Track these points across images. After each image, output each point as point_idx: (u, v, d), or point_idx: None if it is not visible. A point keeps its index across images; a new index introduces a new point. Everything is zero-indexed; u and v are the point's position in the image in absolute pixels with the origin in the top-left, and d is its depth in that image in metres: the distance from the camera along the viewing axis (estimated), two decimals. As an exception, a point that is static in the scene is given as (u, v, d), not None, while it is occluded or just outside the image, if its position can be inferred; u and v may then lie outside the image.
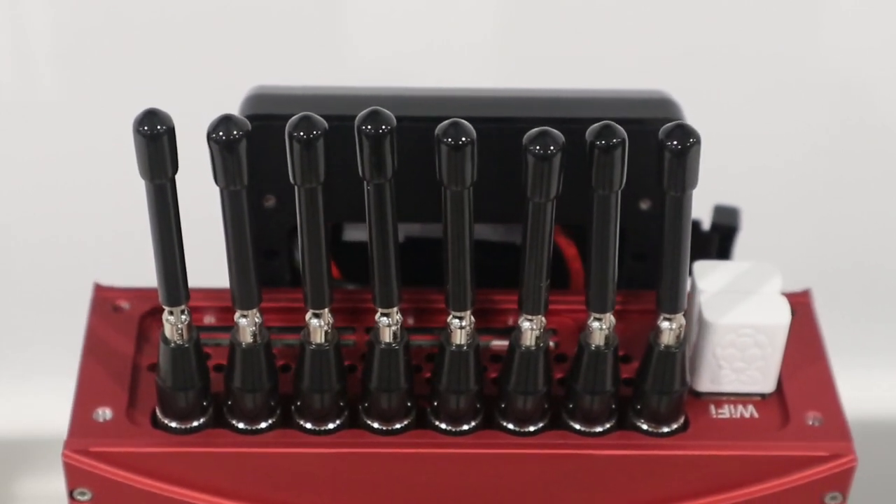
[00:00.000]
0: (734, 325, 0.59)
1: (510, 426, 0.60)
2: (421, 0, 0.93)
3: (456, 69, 0.92)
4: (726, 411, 0.61)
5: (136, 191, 0.54)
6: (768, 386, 0.61)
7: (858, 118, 0.96)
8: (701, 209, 0.63)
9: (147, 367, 0.62)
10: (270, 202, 0.62)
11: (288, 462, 0.59)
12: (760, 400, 0.61)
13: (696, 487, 0.60)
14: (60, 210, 1.00)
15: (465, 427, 0.60)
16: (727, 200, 0.65)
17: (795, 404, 0.61)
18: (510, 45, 0.95)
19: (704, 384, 0.61)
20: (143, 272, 0.61)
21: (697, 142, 0.54)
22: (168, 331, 0.57)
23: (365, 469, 0.59)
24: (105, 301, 0.64)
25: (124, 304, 0.63)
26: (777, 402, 0.61)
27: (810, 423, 0.60)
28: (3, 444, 1.00)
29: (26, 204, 1.00)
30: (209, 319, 0.64)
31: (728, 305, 0.60)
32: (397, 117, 0.54)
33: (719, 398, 0.61)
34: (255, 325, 0.57)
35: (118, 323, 0.63)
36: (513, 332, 0.58)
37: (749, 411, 0.61)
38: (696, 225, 0.66)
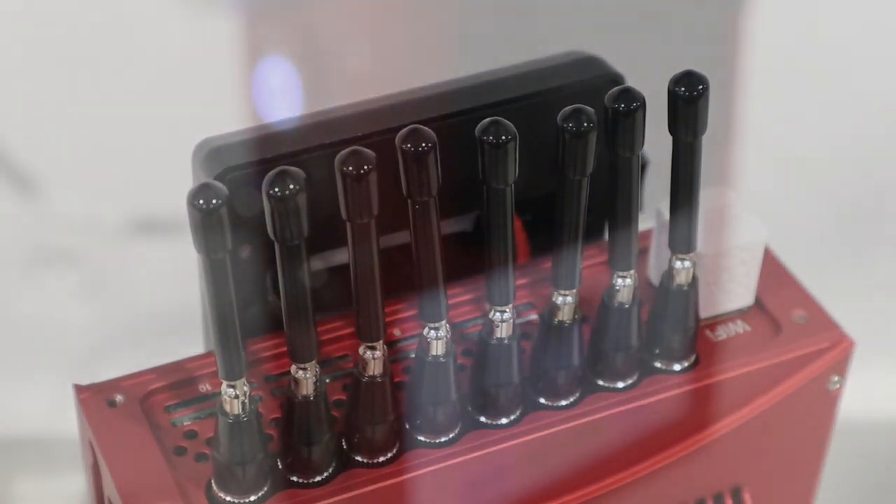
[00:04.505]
0: (723, 249, 0.62)
1: (548, 402, 0.61)
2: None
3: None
4: (722, 332, 0.64)
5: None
6: (749, 299, 0.65)
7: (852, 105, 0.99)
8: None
9: (173, 450, 0.59)
10: (246, 252, 0.60)
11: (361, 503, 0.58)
12: (744, 313, 0.65)
13: (723, 409, 0.63)
14: (58, 211, 0.95)
15: (511, 418, 0.60)
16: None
17: (777, 309, 0.65)
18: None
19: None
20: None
21: (707, 88, 0.56)
22: (228, 405, 0.55)
23: (433, 486, 0.59)
24: (94, 399, 0.60)
25: (118, 398, 0.60)
26: (760, 311, 0.65)
27: (798, 321, 0.64)
28: (2, 444, 0.96)
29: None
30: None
31: (711, 233, 0.63)
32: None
33: (711, 322, 0.64)
34: (315, 377, 0.56)
35: (120, 417, 0.59)
36: (546, 308, 0.59)
37: (741, 326, 0.64)
38: None
